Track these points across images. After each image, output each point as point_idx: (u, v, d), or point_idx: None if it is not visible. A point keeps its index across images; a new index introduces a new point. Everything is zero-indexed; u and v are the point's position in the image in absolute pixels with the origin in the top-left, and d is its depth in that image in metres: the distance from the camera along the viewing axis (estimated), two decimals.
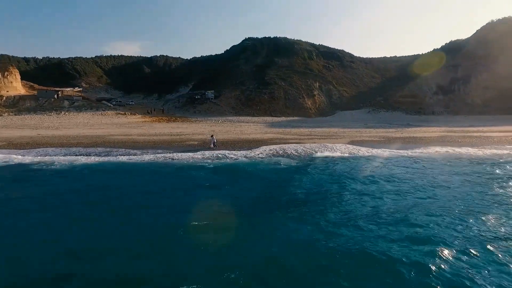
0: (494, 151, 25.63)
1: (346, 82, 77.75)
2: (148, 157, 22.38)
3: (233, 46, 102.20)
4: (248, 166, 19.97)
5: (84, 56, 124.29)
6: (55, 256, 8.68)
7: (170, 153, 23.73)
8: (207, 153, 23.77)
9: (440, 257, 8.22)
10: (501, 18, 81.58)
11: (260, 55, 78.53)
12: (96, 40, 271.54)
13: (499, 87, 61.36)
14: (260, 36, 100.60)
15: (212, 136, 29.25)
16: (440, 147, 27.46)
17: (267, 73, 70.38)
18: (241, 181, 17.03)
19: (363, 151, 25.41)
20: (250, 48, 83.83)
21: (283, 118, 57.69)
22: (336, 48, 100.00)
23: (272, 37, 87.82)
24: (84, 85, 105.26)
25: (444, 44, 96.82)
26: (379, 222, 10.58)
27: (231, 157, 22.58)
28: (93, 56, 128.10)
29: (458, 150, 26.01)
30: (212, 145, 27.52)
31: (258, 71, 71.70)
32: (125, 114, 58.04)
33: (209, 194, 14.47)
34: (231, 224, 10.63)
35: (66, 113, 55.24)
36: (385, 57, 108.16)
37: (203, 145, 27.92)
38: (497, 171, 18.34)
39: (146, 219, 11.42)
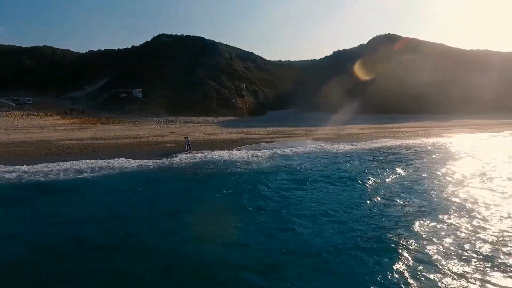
0: (420, 141, 32.99)
1: (267, 84, 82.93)
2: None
3: (147, 42, 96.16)
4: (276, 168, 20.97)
5: None
6: None
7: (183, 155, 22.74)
8: (217, 156, 23.55)
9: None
10: (383, 34, 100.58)
11: (185, 54, 76.39)
12: None
13: (391, 90, 75.70)
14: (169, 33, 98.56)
15: (186, 138, 28.48)
16: (390, 139, 33.71)
17: (195, 72, 69.39)
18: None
19: (348, 147, 29.12)
20: (171, 46, 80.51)
21: (221, 118, 58.36)
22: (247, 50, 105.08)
23: (196, 36, 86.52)
24: None
25: (332, 53, 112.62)
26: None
27: (243, 158, 22.93)
28: None
29: (405, 141, 32.46)
30: (187, 147, 26.92)
31: (186, 71, 69.89)
32: (38, 115, 48.96)
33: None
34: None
35: None
36: (280, 61, 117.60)
37: (181, 147, 26.85)
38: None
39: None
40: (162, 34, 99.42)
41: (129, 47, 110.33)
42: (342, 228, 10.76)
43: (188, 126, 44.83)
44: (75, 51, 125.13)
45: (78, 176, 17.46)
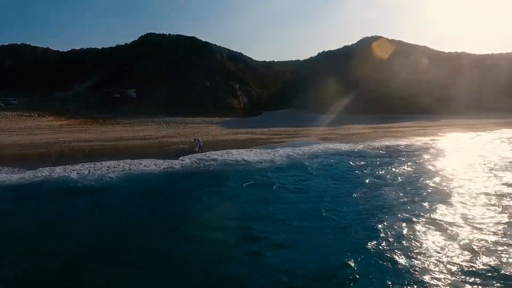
0: (420, 140, 34.32)
1: (259, 84, 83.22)
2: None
3: (135, 42, 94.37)
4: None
5: None
6: None
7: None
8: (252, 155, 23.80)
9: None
10: (370, 36, 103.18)
11: (177, 53, 75.49)
12: None
13: (379, 91, 77.95)
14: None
15: (196, 139, 28.42)
16: (393, 139, 34.89)
17: (190, 72, 68.82)
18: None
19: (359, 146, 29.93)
20: (163, 45, 79.27)
21: (218, 119, 58.29)
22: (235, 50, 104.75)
23: (188, 36, 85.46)
24: None
25: (317, 53, 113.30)
26: None
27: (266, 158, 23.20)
28: None
29: (407, 140, 33.64)
30: (197, 148, 26.86)
31: (180, 70, 69.13)
32: (30, 116, 47.18)
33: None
34: None
35: None
36: (264, 61, 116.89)
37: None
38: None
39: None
40: (150, 33, 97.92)
41: (113, 46, 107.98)
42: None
43: (190, 127, 44.60)
44: (55, 49, 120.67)
45: (110, 176, 17.24)
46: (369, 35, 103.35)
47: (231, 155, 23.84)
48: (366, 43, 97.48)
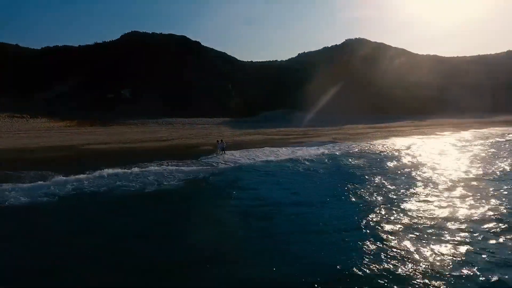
0: (421, 138, 36.08)
1: (250, 84, 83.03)
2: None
3: (118, 40, 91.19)
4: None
5: None
6: None
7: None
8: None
9: None
10: (353, 38, 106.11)
11: (170, 53, 73.82)
12: None
13: (369, 92, 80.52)
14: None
15: (220, 141, 28.06)
16: (398, 138, 36.38)
17: (184, 73, 67.72)
18: None
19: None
20: (152, 45, 77.15)
21: (215, 119, 57.88)
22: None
23: (179, 35, 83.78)
24: None
25: (297, 54, 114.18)
26: None
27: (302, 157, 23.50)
28: None
29: (413, 139, 35.06)
30: (219, 149, 26.69)
31: (174, 71, 67.88)
32: (22, 117, 44.50)
33: None
34: None
35: None
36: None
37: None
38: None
39: None
40: (135, 32, 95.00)
41: (91, 44, 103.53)
42: None
43: (196, 128, 44.14)
44: (24, 46, 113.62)
45: (169, 181, 16.79)
46: (352, 37, 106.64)
47: (266, 154, 24.11)
48: (351, 45, 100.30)
